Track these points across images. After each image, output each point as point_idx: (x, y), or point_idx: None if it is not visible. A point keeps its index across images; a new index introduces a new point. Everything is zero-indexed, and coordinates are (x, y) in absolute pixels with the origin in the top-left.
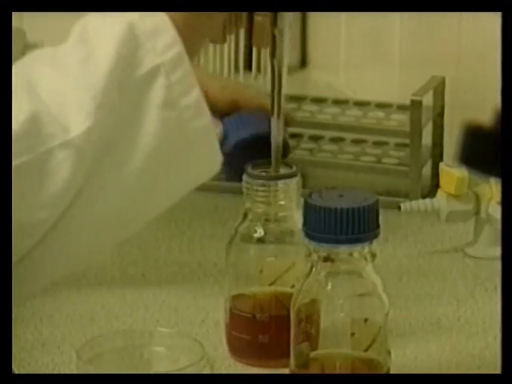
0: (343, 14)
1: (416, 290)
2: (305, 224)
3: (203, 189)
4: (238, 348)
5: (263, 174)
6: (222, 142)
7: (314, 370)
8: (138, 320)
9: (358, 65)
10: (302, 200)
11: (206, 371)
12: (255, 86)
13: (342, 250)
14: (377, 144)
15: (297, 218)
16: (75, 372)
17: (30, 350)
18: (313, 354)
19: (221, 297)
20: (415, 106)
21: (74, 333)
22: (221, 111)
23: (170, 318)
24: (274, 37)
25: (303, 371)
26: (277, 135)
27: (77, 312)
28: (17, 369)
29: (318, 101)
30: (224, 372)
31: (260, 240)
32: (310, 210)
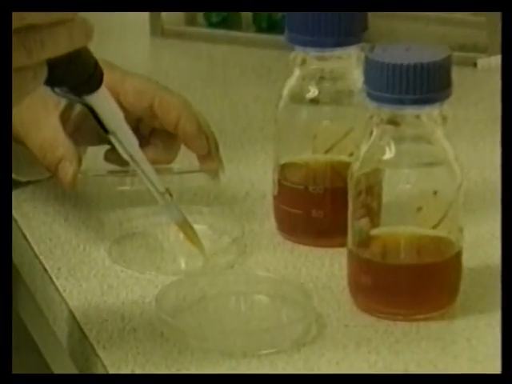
0: None
1: (494, 158)
2: (366, 82)
3: (248, 43)
4: (287, 224)
5: None
6: None
7: (374, 248)
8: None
9: None
10: (362, 55)
11: (252, 248)
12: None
13: (409, 111)
14: None
15: (356, 76)
16: (102, 251)
17: (50, 223)
18: (373, 231)
19: (268, 166)
20: None
21: (101, 206)
22: (136, 119)
23: (210, 192)
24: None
25: (362, 250)
26: None
27: (105, 185)
28: (36, 246)
29: None
30: (272, 250)
31: (313, 101)
32: (371, 67)
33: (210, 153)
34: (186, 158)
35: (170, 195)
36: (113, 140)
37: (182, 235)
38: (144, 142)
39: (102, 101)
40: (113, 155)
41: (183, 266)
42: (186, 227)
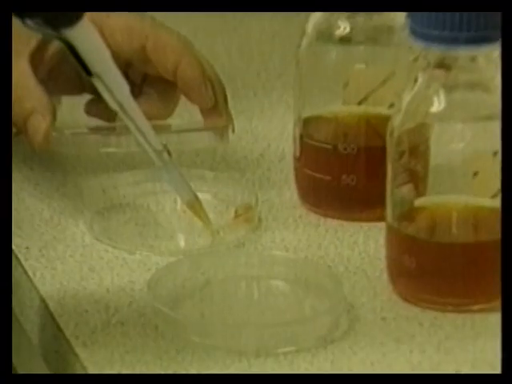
0: None
1: None
2: (409, 17)
3: None
4: (312, 192)
5: None
6: None
7: (419, 223)
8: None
9: None
10: None
11: (268, 223)
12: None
13: (462, 52)
14: None
15: None
16: (81, 226)
17: (17, 191)
18: (418, 202)
19: (288, 120)
20: None
21: (80, 170)
22: (124, 63)
23: (215, 153)
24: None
25: (404, 225)
26: None
27: (85, 146)
28: None
29: None
30: (292, 225)
31: (344, 39)
32: None
33: (216, 106)
34: (186, 112)
35: (169, 154)
36: (97, 85)
37: (180, 205)
38: (135, 91)
39: (85, 35)
40: (96, 107)
41: (182, 244)
42: (189, 198)
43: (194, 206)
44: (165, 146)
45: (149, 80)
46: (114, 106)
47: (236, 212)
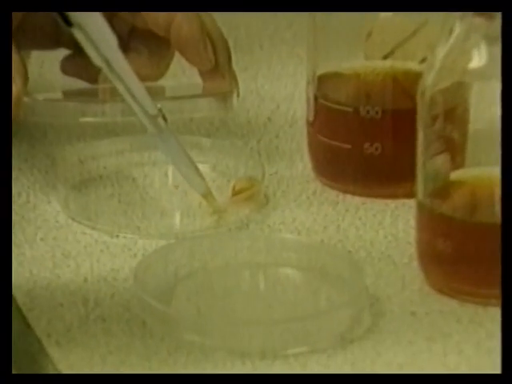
0: None
1: None
2: None
3: None
4: (328, 164)
5: None
6: None
7: (456, 200)
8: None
9: None
10: None
11: (276, 200)
12: None
13: None
14: None
15: None
16: (54, 203)
17: None
18: (455, 175)
19: (300, 78)
20: None
21: (53, 139)
22: (108, 14)
23: (214, 117)
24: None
25: (438, 203)
26: None
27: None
28: None
29: None
30: (305, 202)
31: None
32: None
33: (217, 67)
34: (182, 73)
35: (165, 119)
36: (78, 37)
37: (171, 179)
38: (121, 46)
39: None
40: (74, 65)
41: (174, 225)
42: (200, 186)
43: (206, 194)
44: (160, 110)
45: (137, 34)
46: (98, 61)
47: (234, 188)
